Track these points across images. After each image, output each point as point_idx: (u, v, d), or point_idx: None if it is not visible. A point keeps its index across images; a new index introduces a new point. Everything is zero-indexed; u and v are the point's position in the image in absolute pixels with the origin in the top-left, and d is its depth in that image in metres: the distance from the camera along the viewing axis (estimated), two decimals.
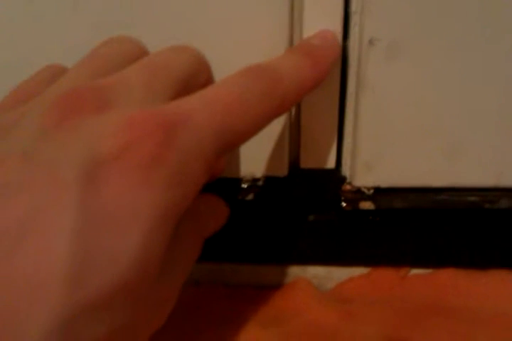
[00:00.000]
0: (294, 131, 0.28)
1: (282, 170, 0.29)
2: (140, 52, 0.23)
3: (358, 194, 0.29)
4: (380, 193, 0.29)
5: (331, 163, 0.29)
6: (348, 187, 0.29)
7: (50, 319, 0.15)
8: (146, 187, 0.16)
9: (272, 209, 0.30)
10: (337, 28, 0.25)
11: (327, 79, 0.25)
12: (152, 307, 0.18)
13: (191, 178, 0.18)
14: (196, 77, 0.22)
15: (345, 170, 0.29)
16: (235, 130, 0.19)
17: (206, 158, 0.18)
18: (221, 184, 0.29)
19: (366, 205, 0.29)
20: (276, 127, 0.27)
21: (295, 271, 0.32)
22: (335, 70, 0.26)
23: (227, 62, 0.23)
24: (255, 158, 0.28)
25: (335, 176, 0.29)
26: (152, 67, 0.20)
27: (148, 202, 0.16)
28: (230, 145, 0.19)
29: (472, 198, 0.28)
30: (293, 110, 0.27)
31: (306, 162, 0.29)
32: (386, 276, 0.31)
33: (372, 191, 0.29)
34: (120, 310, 0.16)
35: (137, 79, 0.20)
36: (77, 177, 0.16)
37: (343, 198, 0.29)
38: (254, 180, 0.29)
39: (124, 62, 0.21)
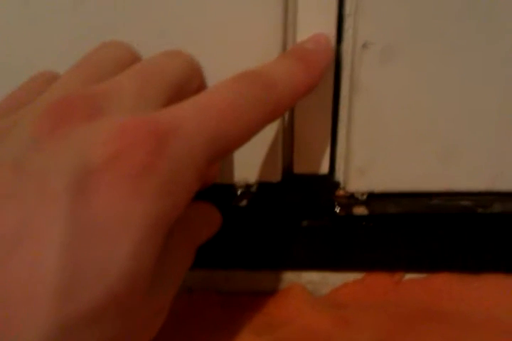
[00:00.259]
0: (287, 137, 0.28)
1: (276, 176, 0.29)
2: (132, 58, 0.22)
3: (352, 199, 0.29)
4: (373, 198, 0.29)
5: (324, 169, 0.28)
6: (341, 192, 0.29)
7: (41, 332, 0.14)
8: (137, 197, 0.16)
9: (266, 215, 0.30)
10: (331, 31, 0.25)
11: (320, 83, 0.25)
12: (143, 319, 0.18)
13: (183, 187, 0.18)
14: (189, 82, 0.22)
15: (339, 176, 0.29)
16: (228, 136, 0.19)
17: (198, 166, 0.18)
18: (214, 190, 0.29)
19: (360, 210, 0.29)
20: (269, 132, 0.27)
21: (289, 277, 0.32)
22: (328, 74, 0.26)
23: (220, 65, 0.23)
24: (248, 164, 0.28)
25: (328, 181, 0.29)
26: (144, 73, 0.20)
27: (139, 212, 0.16)
28: (222, 151, 0.19)
29: (465, 203, 0.28)
30: (286, 115, 0.27)
31: (300, 167, 0.28)
32: (380, 281, 0.31)
33: (365, 196, 0.29)
34: (110, 322, 0.16)
35: (129, 85, 0.19)
36: (66, 187, 0.16)
37: (336, 203, 0.29)
38: (248, 186, 0.29)
39: (117, 68, 0.21)
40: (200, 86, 0.23)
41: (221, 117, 0.18)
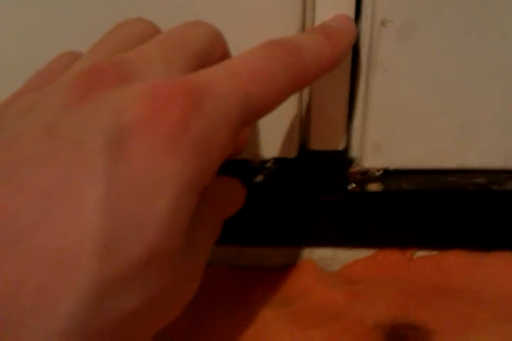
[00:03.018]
0: (304, 113, 0.28)
1: (291, 152, 0.29)
2: (154, 31, 0.22)
3: (366, 176, 0.29)
4: (388, 175, 0.29)
5: (340, 145, 0.29)
6: (356, 168, 0.29)
7: (81, 293, 0.14)
8: (173, 155, 0.16)
9: (280, 191, 0.30)
10: (350, 8, 0.25)
11: None
12: (180, 280, 0.18)
13: (217, 146, 0.18)
14: (213, 50, 0.22)
15: (354, 152, 0.29)
16: (258, 99, 0.19)
17: (231, 127, 0.18)
18: (230, 166, 0.29)
19: (374, 187, 0.29)
20: (286, 109, 0.27)
21: (302, 253, 0.32)
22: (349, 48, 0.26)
23: (238, 49, 0.23)
24: (265, 140, 0.28)
25: (344, 158, 0.29)
26: (169, 42, 0.20)
27: (175, 169, 0.16)
28: (254, 114, 0.19)
29: (480, 180, 0.29)
30: (303, 91, 0.27)
31: (316, 144, 0.29)
32: (392, 258, 0.32)
33: (380, 172, 0.29)
34: (151, 280, 0.16)
35: (157, 51, 0.19)
36: (102, 147, 0.16)
37: (351, 180, 0.29)
38: (263, 161, 0.29)
39: (140, 40, 0.21)
40: (225, 55, 0.23)
41: (252, 80, 0.19)
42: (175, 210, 0.16)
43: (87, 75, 0.18)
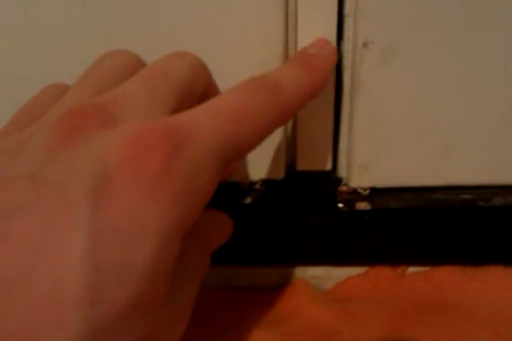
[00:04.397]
0: (290, 134, 0.28)
1: (279, 173, 0.29)
2: (139, 65, 0.23)
3: (355, 195, 0.29)
4: (376, 193, 0.29)
5: (327, 165, 0.29)
6: (344, 188, 0.29)
7: (71, 338, 0.15)
8: (155, 201, 0.16)
9: (270, 212, 0.30)
10: (331, 31, 0.25)
11: None
12: (167, 322, 0.18)
13: (200, 190, 0.18)
14: (197, 80, 0.22)
15: (341, 172, 0.29)
16: (241, 139, 0.19)
17: (214, 169, 0.18)
18: (219, 188, 0.29)
19: (362, 206, 0.29)
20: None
21: (294, 272, 0.32)
22: (330, 73, 0.26)
23: (223, 68, 0.24)
24: (252, 162, 0.28)
25: (331, 177, 0.29)
26: (152, 77, 0.20)
27: (158, 216, 0.16)
28: (237, 154, 0.19)
29: (466, 196, 0.29)
30: None
31: (303, 164, 0.29)
32: (383, 275, 0.32)
33: (368, 191, 0.29)
34: (136, 325, 0.16)
35: (139, 92, 0.19)
36: (84, 194, 0.16)
37: (339, 199, 0.29)
38: (252, 183, 0.29)
39: (124, 73, 0.21)
40: (209, 84, 0.23)
41: (234, 119, 0.19)
42: (157, 256, 0.16)
43: (70, 118, 0.18)
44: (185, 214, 0.17)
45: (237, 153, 0.19)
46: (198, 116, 0.19)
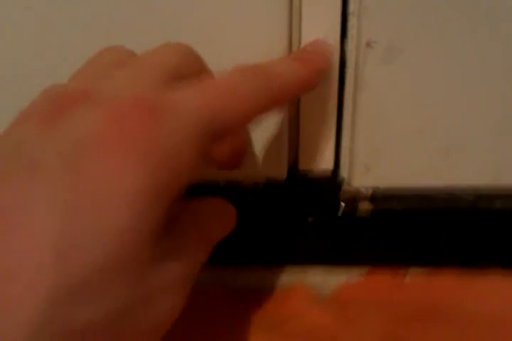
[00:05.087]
0: (293, 134, 0.28)
1: (281, 173, 0.29)
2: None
3: (357, 195, 0.29)
4: (378, 194, 0.29)
5: (329, 165, 0.29)
6: (346, 188, 0.29)
7: (44, 297, 0.15)
8: (134, 166, 0.17)
9: (271, 212, 0.30)
10: (335, 30, 0.25)
11: (325, 82, 0.25)
12: (151, 297, 0.19)
13: (181, 161, 0.18)
14: (186, 66, 0.22)
15: (344, 172, 0.29)
16: (227, 117, 0.19)
17: (197, 142, 0.19)
18: (221, 188, 0.29)
19: (364, 206, 0.29)
20: (274, 130, 0.28)
21: (294, 273, 0.32)
22: (333, 72, 0.26)
23: (227, 67, 0.24)
24: (254, 162, 0.28)
25: (333, 178, 0.29)
26: (138, 67, 0.21)
27: (137, 181, 0.17)
28: (221, 129, 0.20)
29: (468, 198, 0.29)
30: (291, 112, 0.28)
31: (305, 164, 0.29)
32: (383, 280, 0.32)
33: (370, 192, 0.29)
34: (113, 289, 0.17)
35: (124, 76, 0.20)
36: (59, 163, 0.17)
37: (341, 199, 0.29)
38: (254, 183, 0.29)
39: (117, 69, 0.22)
40: (201, 70, 0.23)
41: (219, 95, 0.19)
42: (135, 219, 0.17)
43: (54, 101, 0.19)
44: (167, 181, 0.18)
45: (220, 129, 0.20)
46: (184, 91, 0.19)
